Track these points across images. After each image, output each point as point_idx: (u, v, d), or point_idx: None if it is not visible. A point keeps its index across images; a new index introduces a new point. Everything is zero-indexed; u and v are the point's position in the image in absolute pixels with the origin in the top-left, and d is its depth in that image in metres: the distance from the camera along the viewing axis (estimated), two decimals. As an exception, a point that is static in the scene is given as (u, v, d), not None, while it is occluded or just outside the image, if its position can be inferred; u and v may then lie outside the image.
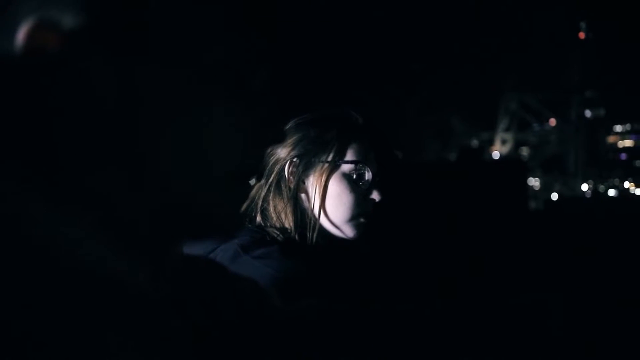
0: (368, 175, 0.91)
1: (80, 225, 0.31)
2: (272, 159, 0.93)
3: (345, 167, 0.90)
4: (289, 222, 0.89)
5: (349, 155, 0.90)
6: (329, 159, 0.89)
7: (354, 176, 0.90)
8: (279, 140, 0.82)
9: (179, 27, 0.36)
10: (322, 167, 0.89)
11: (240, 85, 0.40)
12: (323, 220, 0.90)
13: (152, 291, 0.34)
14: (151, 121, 0.34)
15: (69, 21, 0.31)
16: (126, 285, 0.31)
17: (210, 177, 0.38)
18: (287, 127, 0.95)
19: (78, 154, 0.32)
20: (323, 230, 0.90)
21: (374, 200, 0.92)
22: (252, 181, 0.97)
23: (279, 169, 0.92)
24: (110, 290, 0.30)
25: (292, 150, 0.91)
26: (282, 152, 0.92)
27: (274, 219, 0.90)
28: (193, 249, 0.83)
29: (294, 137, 0.92)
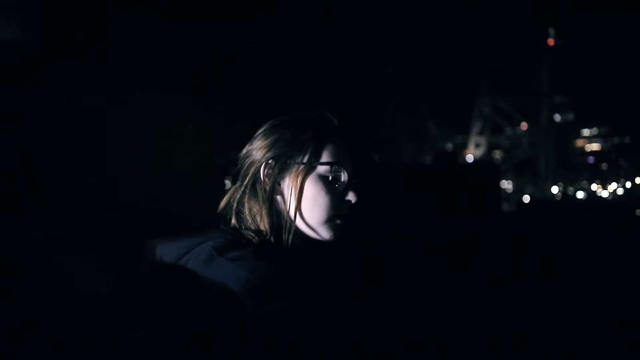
0: (344, 177, 0.91)
1: (44, 232, 0.30)
2: (247, 161, 0.93)
3: (321, 169, 0.90)
4: (264, 225, 0.89)
5: (325, 157, 0.90)
6: (305, 160, 0.89)
7: (330, 177, 0.90)
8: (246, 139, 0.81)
9: (138, 31, 0.35)
10: (298, 168, 0.89)
11: (201, 84, 0.39)
12: (299, 222, 0.90)
13: (118, 300, 0.33)
14: (109, 127, 0.34)
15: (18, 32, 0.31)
16: (92, 292, 0.30)
17: (176, 176, 0.38)
18: (263, 128, 0.95)
19: (41, 158, 0.31)
20: (299, 232, 0.90)
21: (350, 201, 0.92)
22: (227, 184, 0.96)
23: (254, 170, 0.91)
24: (76, 298, 0.29)
25: (267, 152, 0.91)
26: (257, 153, 0.92)
27: (249, 221, 0.90)
28: (165, 252, 0.82)
29: (270, 139, 0.92)
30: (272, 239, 0.88)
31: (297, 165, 0.89)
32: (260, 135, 0.94)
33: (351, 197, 0.92)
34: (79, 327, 0.27)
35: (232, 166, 0.98)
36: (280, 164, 0.90)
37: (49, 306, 0.25)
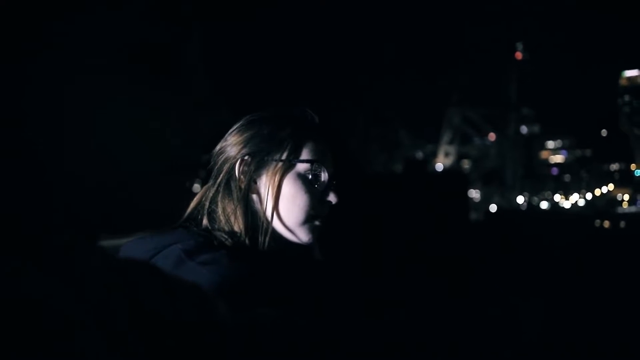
0: (324, 176, 0.86)
1: None
2: (221, 158, 0.87)
3: (300, 167, 0.84)
4: (238, 225, 0.82)
5: (305, 155, 0.85)
6: (283, 157, 0.84)
7: (310, 176, 0.85)
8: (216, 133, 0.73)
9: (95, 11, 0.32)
10: (276, 166, 0.83)
11: (167, 67, 0.34)
12: (276, 223, 0.84)
13: (73, 313, 0.31)
14: (62, 113, 0.31)
15: None
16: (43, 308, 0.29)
17: (139, 171, 0.34)
18: (239, 124, 0.89)
19: None
20: (276, 234, 0.84)
21: (330, 202, 0.87)
22: (197, 187, 0.89)
23: (229, 168, 0.85)
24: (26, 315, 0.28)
25: (243, 148, 0.85)
26: (232, 150, 0.86)
27: (223, 222, 0.83)
28: (129, 254, 0.75)
29: (246, 135, 0.86)
30: (246, 240, 0.82)
31: (274, 163, 0.84)
32: (235, 131, 0.88)
33: (332, 197, 0.87)
34: (36, 330, 0.26)
35: (202, 169, 0.92)
36: (257, 161, 0.84)
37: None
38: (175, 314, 0.39)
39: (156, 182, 0.35)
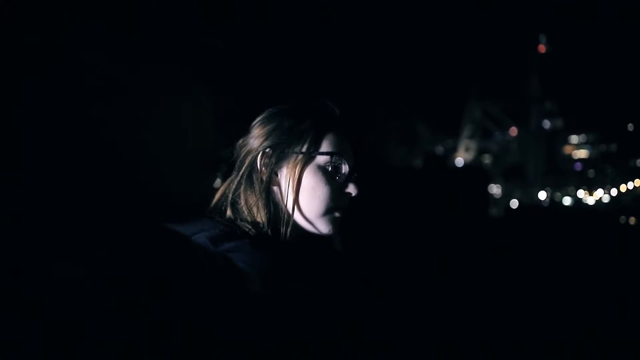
0: (344, 168, 0.87)
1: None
2: (244, 150, 0.89)
3: (321, 159, 0.86)
4: (261, 217, 0.85)
5: (325, 147, 0.87)
6: (303, 149, 0.85)
7: (330, 168, 0.87)
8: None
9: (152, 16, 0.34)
10: (296, 158, 0.85)
11: (201, 73, 0.35)
12: (297, 215, 0.86)
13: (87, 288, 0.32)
14: (118, 108, 0.33)
15: None
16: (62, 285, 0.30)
17: (173, 166, 0.35)
18: (261, 116, 0.91)
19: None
20: (297, 226, 0.86)
21: (350, 194, 0.89)
22: (219, 182, 0.92)
23: (251, 160, 0.87)
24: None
25: (264, 140, 0.87)
26: (254, 142, 0.88)
27: (245, 213, 0.86)
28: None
29: (267, 127, 0.88)
30: (269, 231, 0.84)
31: (295, 155, 0.86)
32: (257, 124, 0.90)
33: (352, 189, 0.88)
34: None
35: (224, 164, 0.94)
36: (278, 154, 0.86)
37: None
38: (205, 285, 0.42)
39: (183, 176, 0.36)
